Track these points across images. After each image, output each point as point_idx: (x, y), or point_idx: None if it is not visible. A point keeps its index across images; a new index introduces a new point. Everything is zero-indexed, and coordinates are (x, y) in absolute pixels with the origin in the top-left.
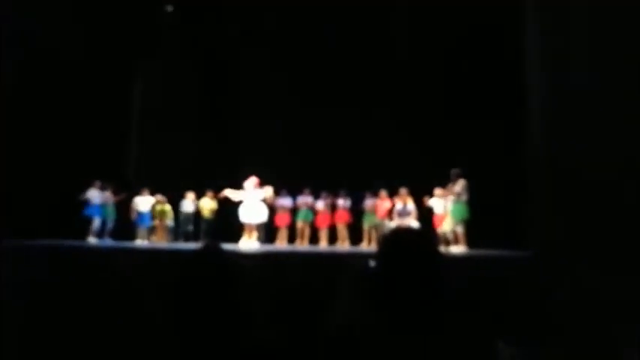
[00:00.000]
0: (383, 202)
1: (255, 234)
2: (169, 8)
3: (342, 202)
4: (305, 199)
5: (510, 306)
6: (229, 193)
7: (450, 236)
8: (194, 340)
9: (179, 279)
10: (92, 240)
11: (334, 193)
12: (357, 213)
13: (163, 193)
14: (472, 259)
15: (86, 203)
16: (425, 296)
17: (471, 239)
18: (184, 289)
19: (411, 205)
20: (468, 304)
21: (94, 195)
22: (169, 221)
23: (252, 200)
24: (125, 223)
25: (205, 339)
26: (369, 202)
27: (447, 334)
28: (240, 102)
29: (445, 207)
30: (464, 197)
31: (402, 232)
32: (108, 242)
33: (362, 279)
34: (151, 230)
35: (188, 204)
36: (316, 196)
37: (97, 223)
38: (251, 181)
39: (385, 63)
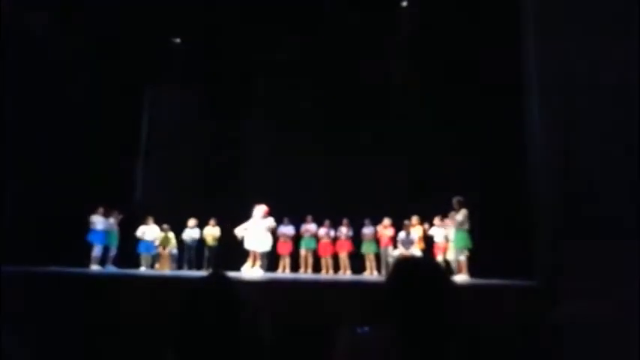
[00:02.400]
0: (386, 230)
1: (258, 262)
2: (176, 40)
3: (345, 231)
4: (307, 227)
5: (515, 335)
6: (239, 232)
7: (454, 265)
8: None
9: (185, 307)
10: (94, 267)
11: (337, 222)
12: (358, 241)
13: (167, 221)
14: (476, 288)
15: (89, 230)
16: (436, 325)
17: (474, 268)
18: (190, 318)
19: (414, 234)
20: (475, 334)
21: (98, 221)
22: (173, 249)
23: (259, 228)
24: (129, 250)
25: None
26: (367, 230)
27: None
28: (245, 130)
29: (446, 236)
30: (466, 226)
31: (412, 261)
32: (111, 269)
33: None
34: (155, 258)
35: (191, 231)
36: (319, 224)
37: (98, 249)
38: (260, 209)
39: (387, 93)
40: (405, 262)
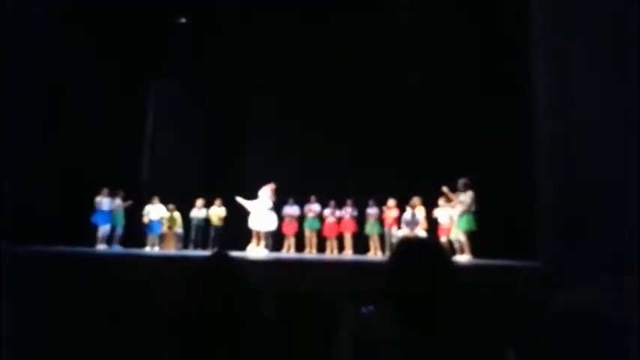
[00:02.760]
0: (390, 211)
1: (263, 242)
2: (182, 20)
3: (350, 211)
4: (311, 208)
5: (516, 316)
6: (241, 201)
7: (456, 245)
8: (203, 349)
9: (188, 287)
10: (101, 247)
11: (341, 202)
12: (363, 221)
13: (173, 201)
14: (478, 269)
15: (95, 210)
16: (436, 305)
17: (477, 249)
18: (192, 298)
19: (419, 215)
20: (477, 313)
21: (103, 202)
22: (179, 229)
23: (264, 208)
24: (135, 230)
25: (214, 347)
26: (371, 211)
27: (457, 343)
28: (251, 112)
29: (451, 217)
30: (472, 208)
31: (415, 242)
32: (117, 249)
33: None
34: (161, 238)
35: (197, 211)
36: (324, 205)
37: (105, 229)
38: (267, 189)
39: (391, 73)
40: (407, 242)
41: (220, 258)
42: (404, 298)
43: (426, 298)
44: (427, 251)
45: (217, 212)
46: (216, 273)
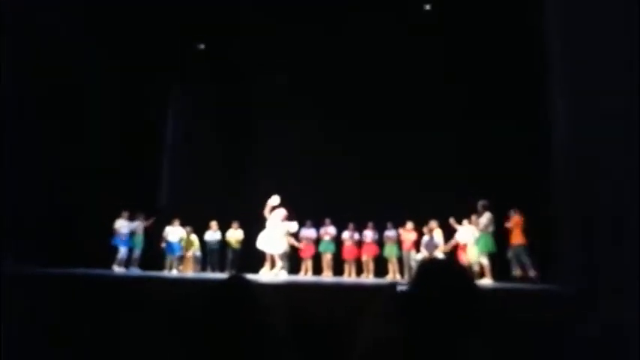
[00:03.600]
0: (409, 234)
1: (279, 264)
2: (201, 46)
3: (371, 235)
4: (327, 230)
5: (535, 339)
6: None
7: (476, 268)
8: None
9: (206, 309)
10: (116, 269)
11: (361, 225)
12: (380, 244)
13: (191, 223)
14: (498, 292)
15: (115, 233)
16: (460, 329)
17: (498, 272)
18: (211, 320)
19: (438, 238)
20: (497, 336)
21: (122, 225)
22: (197, 252)
23: (275, 231)
24: (154, 252)
25: None
26: (389, 234)
27: None
28: (267, 134)
29: (469, 239)
30: (490, 229)
31: (439, 263)
32: (135, 271)
33: (391, 301)
34: (180, 260)
35: (212, 234)
36: (342, 228)
37: (122, 252)
38: (279, 213)
39: (409, 93)
40: (430, 265)
41: (236, 281)
42: (426, 321)
43: (448, 320)
44: (449, 273)
45: (235, 235)
46: (232, 295)
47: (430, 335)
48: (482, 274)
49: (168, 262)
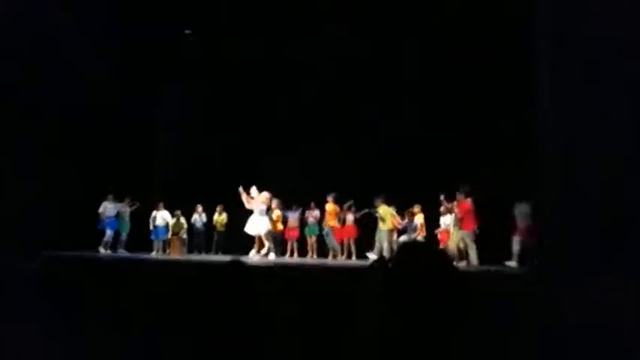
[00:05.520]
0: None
1: (266, 245)
2: (188, 32)
3: (351, 218)
4: (312, 214)
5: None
6: (243, 194)
7: (455, 252)
8: (219, 352)
9: (206, 293)
10: (102, 251)
11: (341, 208)
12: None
13: (178, 207)
14: (476, 274)
15: (101, 216)
16: (438, 309)
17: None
18: (211, 303)
19: (418, 222)
20: (477, 319)
21: (108, 207)
22: (184, 234)
23: (257, 212)
24: (141, 235)
25: (230, 350)
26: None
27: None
28: (255, 121)
29: (449, 223)
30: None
31: (415, 246)
32: (122, 254)
33: (376, 278)
34: (167, 243)
35: (198, 216)
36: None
37: (109, 234)
38: (263, 195)
39: (396, 78)
40: (407, 246)
41: (236, 265)
42: (404, 302)
43: (427, 300)
44: (427, 255)
45: (220, 218)
46: (235, 280)
47: (411, 314)
48: (461, 257)
49: (155, 245)
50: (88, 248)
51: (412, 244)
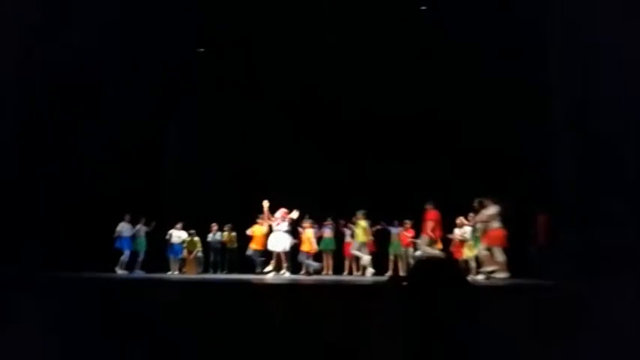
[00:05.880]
0: (407, 232)
1: (284, 264)
2: (200, 50)
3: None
4: (327, 229)
5: (528, 334)
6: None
7: (472, 264)
8: None
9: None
10: (119, 272)
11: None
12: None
13: (193, 226)
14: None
15: (117, 237)
16: (454, 323)
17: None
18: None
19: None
20: (494, 332)
21: (125, 228)
22: (199, 253)
23: (279, 230)
24: (157, 255)
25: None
26: (394, 231)
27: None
28: (267, 137)
29: (465, 235)
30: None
31: (431, 262)
32: (139, 274)
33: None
34: (183, 262)
35: (214, 235)
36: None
37: (126, 255)
38: (279, 212)
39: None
40: (423, 262)
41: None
42: (420, 316)
43: (440, 314)
44: (442, 271)
45: (230, 237)
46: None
47: (426, 323)
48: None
49: (172, 265)
50: (103, 269)
51: (428, 259)
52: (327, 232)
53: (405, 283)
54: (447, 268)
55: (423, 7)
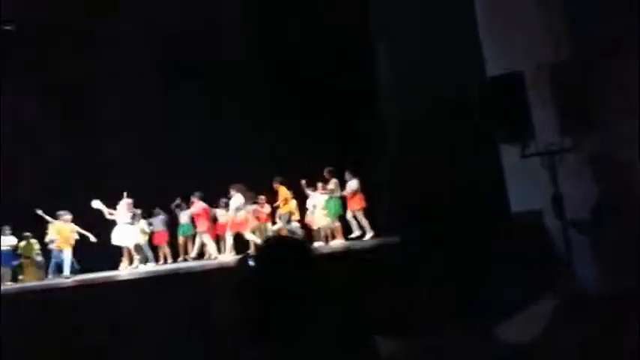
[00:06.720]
0: (262, 208)
1: (136, 257)
2: (9, 27)
3: (222, 212)
4: (183, 214)
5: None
6: (99, 205)
7: (327, 231)
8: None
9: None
10: None
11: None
12: None
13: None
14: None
15: None
16: (297, 299)
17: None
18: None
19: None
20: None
21: None
22: (38, 256)
23: (121, 222)
24: None
25: None
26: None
27: (322, 334)
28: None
29: (314, 205)
30: (337, 193)
31: (276, 241)
32: None
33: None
34: (19, 269)
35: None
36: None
37: None
38: (124, 203)
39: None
40: (269, 241)
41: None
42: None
43: (287, 291)
44: (286, 247)
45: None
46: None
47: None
48: (334, 236)
49: (4, 275)
50: None
51: (273, 238)
52: (184, 218)
53: (252, 264)
54: (293, 248)
55: None
